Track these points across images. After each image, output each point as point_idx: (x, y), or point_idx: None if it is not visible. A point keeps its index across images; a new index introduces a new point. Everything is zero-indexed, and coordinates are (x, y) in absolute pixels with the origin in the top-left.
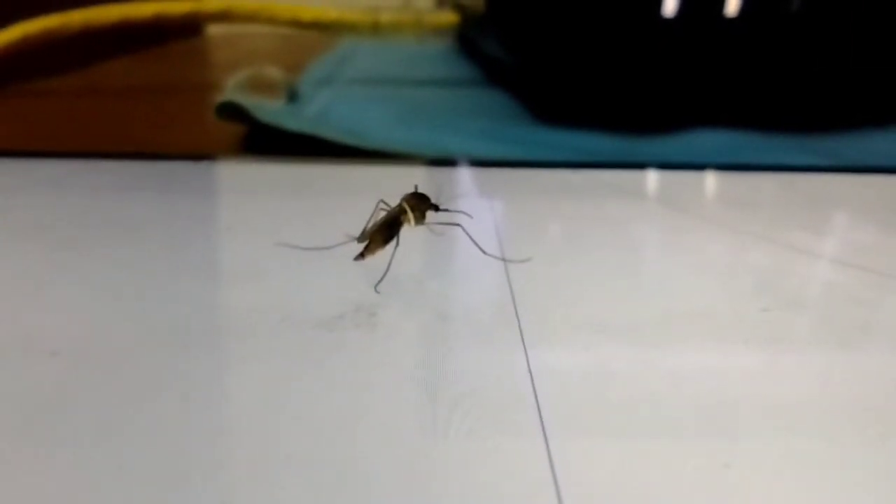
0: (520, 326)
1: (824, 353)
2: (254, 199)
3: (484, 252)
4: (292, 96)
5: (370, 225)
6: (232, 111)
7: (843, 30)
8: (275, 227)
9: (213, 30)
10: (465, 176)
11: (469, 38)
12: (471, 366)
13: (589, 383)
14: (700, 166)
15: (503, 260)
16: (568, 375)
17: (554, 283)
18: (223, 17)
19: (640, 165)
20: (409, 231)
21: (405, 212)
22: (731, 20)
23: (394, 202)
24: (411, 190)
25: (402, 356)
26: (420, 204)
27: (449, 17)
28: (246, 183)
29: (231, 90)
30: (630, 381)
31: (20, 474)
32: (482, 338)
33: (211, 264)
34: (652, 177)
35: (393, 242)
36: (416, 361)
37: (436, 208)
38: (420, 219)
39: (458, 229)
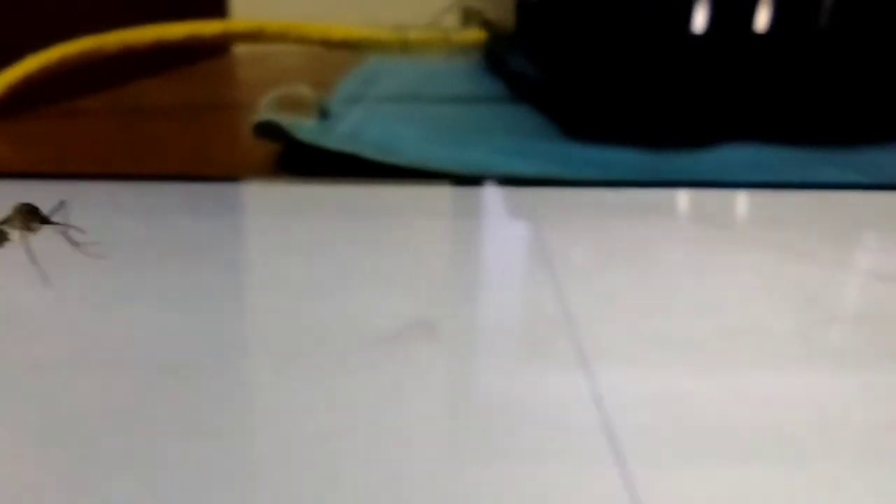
0: (579, 345)
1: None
2: (303, 218)
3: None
4: (324, 114)
5: None
6: (269, 130)
7: (872, 43)
8: (327, 245)
9: (240, 48)
10: (502, 195)
11: (496, 55)
12: (533, 384)
13: (654, 403)
14: (732, 184)
15: (553, 279)
16: (632, 394)
17: (607, 300)
18: (254, 36)
19: (673, 183)
20: (446, 247)
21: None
22: (761, 36)
23: (428, 223)
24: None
25: (465, 373)
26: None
27: (476, 34)
28: (292, 203)
29: (265, 109)
30: (695, 400)
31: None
32: (541, 356)
33: (273, 282)
34: (686, 196)
35: None
36: (480, 379)
37: (44, 220)
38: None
39: (515, 245)
